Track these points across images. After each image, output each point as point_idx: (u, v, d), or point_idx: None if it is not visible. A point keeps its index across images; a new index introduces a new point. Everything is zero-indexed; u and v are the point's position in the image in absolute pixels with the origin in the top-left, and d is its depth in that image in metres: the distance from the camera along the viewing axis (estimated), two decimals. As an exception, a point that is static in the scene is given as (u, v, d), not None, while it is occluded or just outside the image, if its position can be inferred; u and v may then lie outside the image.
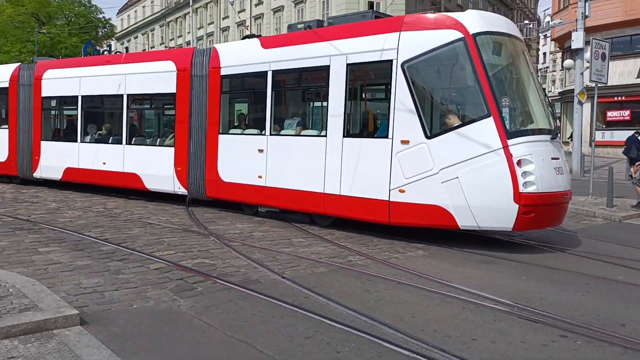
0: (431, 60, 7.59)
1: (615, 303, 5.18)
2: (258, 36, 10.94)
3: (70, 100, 13.34)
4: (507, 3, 60.56)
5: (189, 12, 48.87)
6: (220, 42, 57.40)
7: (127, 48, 51.65)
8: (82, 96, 12.96)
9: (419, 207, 7.46)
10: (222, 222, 9.09)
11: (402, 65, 7.59)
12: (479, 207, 7.05)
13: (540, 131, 7.55)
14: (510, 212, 6.93)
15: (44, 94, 13.69)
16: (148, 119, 13.23)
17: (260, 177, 9.41)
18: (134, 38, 75.55)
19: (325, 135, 8.52)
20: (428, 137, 7.37)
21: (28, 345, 3.71)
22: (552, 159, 7.36)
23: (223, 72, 10.17)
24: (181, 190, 10.92)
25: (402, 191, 7.57)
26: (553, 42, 49.06)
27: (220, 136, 10.23)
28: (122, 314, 4.51)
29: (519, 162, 6.90)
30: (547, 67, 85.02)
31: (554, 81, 77.73)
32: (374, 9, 39.74)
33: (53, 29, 48.30)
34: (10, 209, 10.06)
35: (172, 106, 11.35)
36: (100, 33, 57.72)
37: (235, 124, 10.52)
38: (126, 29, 77.51)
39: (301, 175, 8.82)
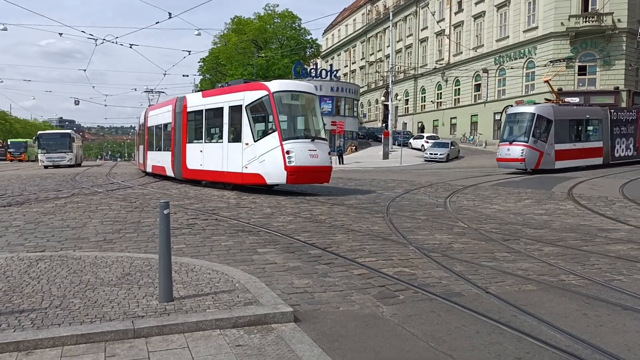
0: (256, 105, 15.12)
1: None
2: (202, 90, 20.41)
3: (150, 128, 23.50)
4: None
5: (388, 27, 50.09)
6: (418, 54, 57.71)
7: (331, 65, 54.97)
8: (149, 126, 23.82)
9: (253, 175, 15.04)
10: (421, 232, 9.08)
11: (245, 108, 15.25)
12: (273, 173, 14.53)
13: (303, 137, 14.98)
14: (284, 175, 14.34)
15: (148, 124, 24.16)
16: (165, 136, 21.22)
17: (201, 165, 17.54)
18: (337, 55, 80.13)
19: (222, 142, 16.44)
20: (255, 141, 14.95)
21: (252, 336, 4.15)
22: (309, 150, 14.59)
23: (188, 109, 18.49)
24: (172, 174, 19.77)
25: (246, 167, 15.18)
26: None
27: (187, 144, 18.55)
28: (330, 315, 4.77)
29: (287, 152, 14.22)
30: None
31: None
32: (589, 7, 36.45)
33: (269, 53, 53.71)
34: (234, 212, 11.41)
35: (170, 129, 19.97)
36: (308, 53, 62.45)
37: (193, 138, 18.38)
38: (330, 47, 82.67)
39: (215, 162, 16.61)
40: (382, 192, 16.20)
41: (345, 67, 75.96)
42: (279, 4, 64.78)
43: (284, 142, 14.25)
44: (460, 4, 50.11)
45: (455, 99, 51.83)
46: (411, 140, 46.95)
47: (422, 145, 43.05)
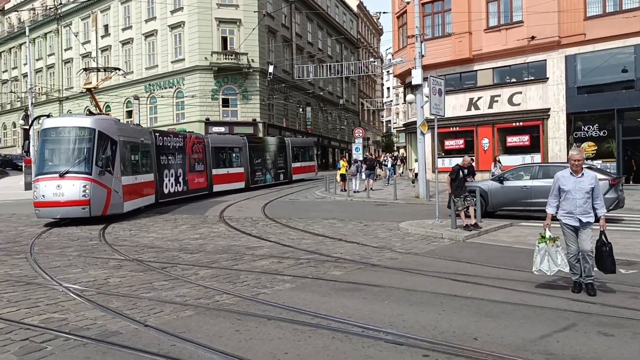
0: None
1: (467, 319, 5.63)
2: None
3: None
4: (353, 42, 64.80)
5: (25, 42, 44.91)
6: (62, 75, 53.54)
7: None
8: None
9: None
10: (73, 270, 8.34)
11: None
12: None
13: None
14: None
15: None
16: None
17: None
18: (-42, 69, 67.45)
19: None
20: None
21: None
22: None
23: None
24: None
25: None
26: (395, 78, 53.39)
27: None
28: (-46, 389, 3.89)
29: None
30: (391, 101, 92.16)
31: (397, 113, 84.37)
32: (228, 46, 40.00)
33: None
34: None
35: None
36: None
37: None
38: (-53, 58, 68.91)
39: None
40: (24, 229, 14.27)
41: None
42: None
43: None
44: (107, 27, 48.77)
45: (106, 125, 49.90)
46: (58, 168, 42.94)
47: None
